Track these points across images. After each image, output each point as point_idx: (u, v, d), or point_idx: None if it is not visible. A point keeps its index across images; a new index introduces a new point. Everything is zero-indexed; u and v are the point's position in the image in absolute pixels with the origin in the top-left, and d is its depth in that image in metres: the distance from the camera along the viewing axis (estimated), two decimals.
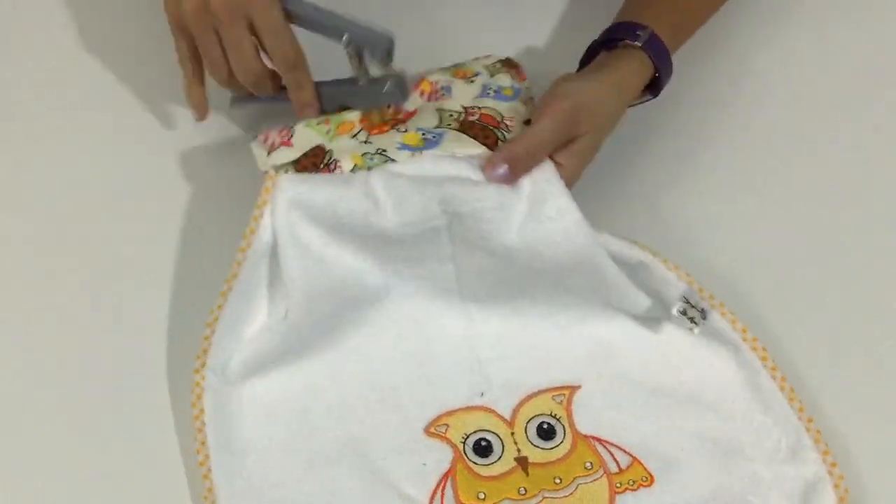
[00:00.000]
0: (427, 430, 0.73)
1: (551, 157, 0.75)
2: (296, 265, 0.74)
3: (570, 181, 0.75)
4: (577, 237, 0.73)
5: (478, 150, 0.76)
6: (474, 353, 0.77)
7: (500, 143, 0.76)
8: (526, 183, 0.74)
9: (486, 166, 0.74)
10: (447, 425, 0.74)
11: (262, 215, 0.75)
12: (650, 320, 0.77)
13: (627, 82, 0.80)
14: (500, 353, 0.77)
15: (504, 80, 0.83)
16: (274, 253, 0.75)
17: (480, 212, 0.73)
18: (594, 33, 0.83)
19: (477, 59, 0.86)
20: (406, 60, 0.79)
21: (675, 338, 0.77)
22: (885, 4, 0.97)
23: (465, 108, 0.80)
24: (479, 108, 0.79)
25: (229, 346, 0.74)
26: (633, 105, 0.82)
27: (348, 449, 0.72)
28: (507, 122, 0.79)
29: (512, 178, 0.73)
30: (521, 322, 0.77)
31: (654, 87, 0.82)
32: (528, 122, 0.78)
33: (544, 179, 0.74)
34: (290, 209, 0.74)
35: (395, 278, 0.77)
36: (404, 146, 0.77)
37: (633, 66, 0.80)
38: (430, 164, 0.75)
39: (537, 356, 0.77)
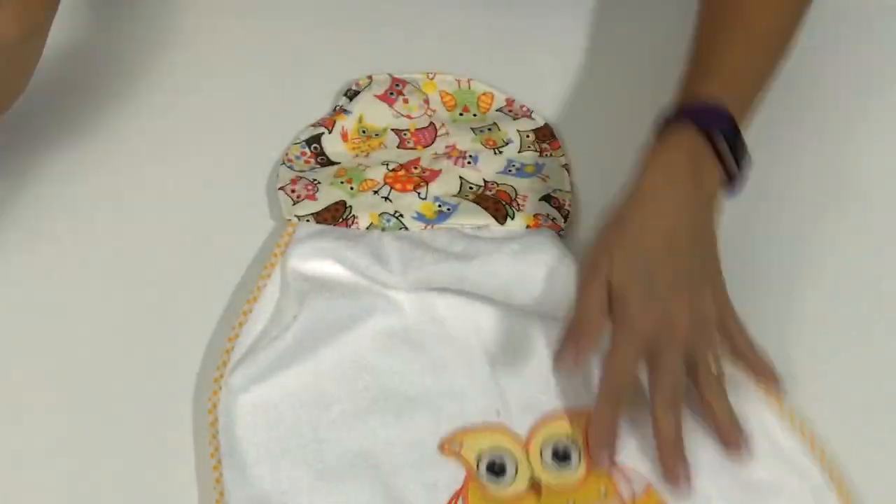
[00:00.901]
0: (441, 447, 0.73)
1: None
2: (309, 298, 0.78)
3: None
4: (569, 282, 0.77)
5: (486, 221, 0.83)
6: (493, 371, 0.77)
7: (508, 218, 0.83)
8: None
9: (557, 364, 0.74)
10: (461, 443, 0.73)
11: (282, 254, 0.81)
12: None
13: (669, 165, 0.74)
14: (520, 373, 0.77)
15: (529, 157, 0.89)
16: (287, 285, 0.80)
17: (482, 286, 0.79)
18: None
19: (516, 118, 0.91)
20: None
21: None
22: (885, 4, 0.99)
23: (485, 182, 0.86)
24: (498, 184, 0.86)
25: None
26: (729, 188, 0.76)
27: (360, 461, 0.72)
28: (520, 200, 0.85)
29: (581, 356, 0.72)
30: (533, 350, 0.78)
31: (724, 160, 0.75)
32: (544, 199, 0.85)
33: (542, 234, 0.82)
34: (304, 253, 0.80)
35: (404, 306, 0.79)
36: (420, 216, 0.83)
37: (671, 144, 0.74)
38: (439, 238, 0.82)
39: (557, 379, 0.76)
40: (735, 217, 0.79)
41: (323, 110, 0.91)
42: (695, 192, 0.74)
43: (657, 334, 0.71)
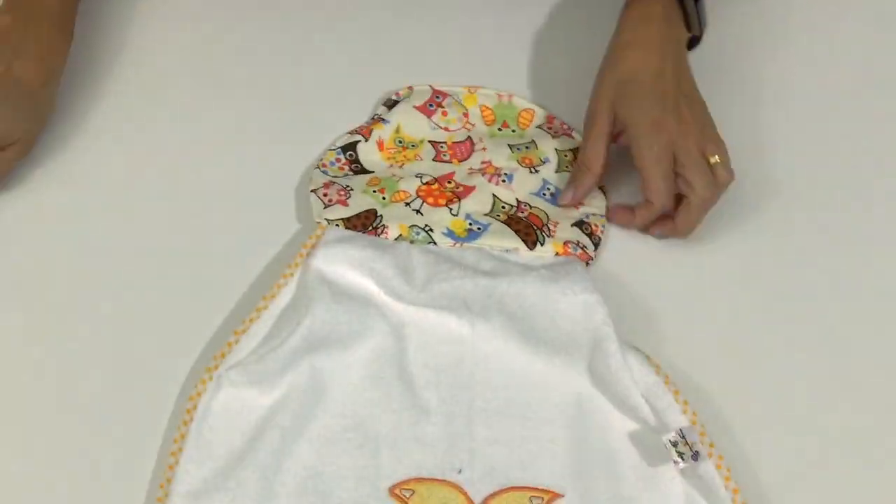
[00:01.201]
0: (392, 490, 0.73)
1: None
2: (321, 303, 0.79)
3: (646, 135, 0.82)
4: (593, 314, 0.79)
5: (515, 244, 0.84)
6: (470, 427, 0.76)
7: (538, 243, 0.84)
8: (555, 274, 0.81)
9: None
10: (413, 491, 0.73)
11: (308, 255, 0.82)
12: (644, 445, 0.75)
13: (631, 31, 0.85)
14: (495, 436, 0.76)
15: (566, 178, 0.88)
16: (305, 285, 0.80)
17: (504, 294, 0.80)
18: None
19: (556, 135, 0.91)
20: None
21: (668, 474, 0.74)
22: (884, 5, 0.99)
23: (518, 202, 0.86)
24: (531, 206, 0.86)
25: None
26: (694, 28, 0.87)
27: (311, 484, 0.72)
28: (551, 226, 0.85)
29: (579, 193, 0.85)
30: (521, 416, 0.77)
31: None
32: (577, 224, 0.86)
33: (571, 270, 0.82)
34: (331, 256, 0.81)
35: (410, 332, 0.79)
36: (450, 232, 0.84)
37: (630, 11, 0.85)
38: (468, 256, 0.83)
39: (529, 451, 0.75)
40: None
41: (361, 119, 0.91)
42: (670, 34, 0.85)
43: (675, 140, 0.81)
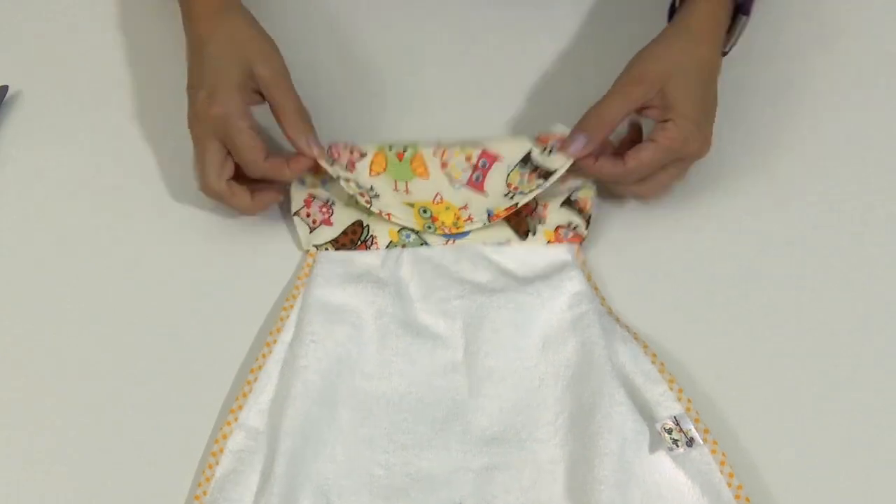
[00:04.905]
0: None
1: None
2: (321, 329, 0.81)
3: (673, 136, 0.80)
4: (585, 329, 0.79)
5: (507, 236, 0.84)
6: (467, 459, 0.78)
7: (529, 234, 0.84)
8: (544, 282, 0.82)
9: (565, 146, 0.82)
10: None
11: (304, 285, 0.83)
12: (640, 460, 0.76)
13: (698, 21, 0.83)
14: (494, 463, 0.77)
15: (555, 161, 0.83)
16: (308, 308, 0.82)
17: (496, 317, 0.81)
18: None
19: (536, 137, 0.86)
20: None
21: (663, 486, 0.75)
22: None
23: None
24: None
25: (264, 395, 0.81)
26: (731, 43, 0.86)
27: None
28: (541, 210, 0.84)
29: (591, 146, 0.81)
30: (518, 439, 0.78)
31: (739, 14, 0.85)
32: (566, 203, 0.85)
33: (562, 265, 0.82)
34: (325, 284, 0.82)
35: (403, 367, 0.81)
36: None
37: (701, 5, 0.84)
38: (463, 260, 0.83)
39: (529, 475, 0.77)
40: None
41: (346, 135, 0.86)
42: (721, 34, 0.85)
43: (684, 152, 0.82)
